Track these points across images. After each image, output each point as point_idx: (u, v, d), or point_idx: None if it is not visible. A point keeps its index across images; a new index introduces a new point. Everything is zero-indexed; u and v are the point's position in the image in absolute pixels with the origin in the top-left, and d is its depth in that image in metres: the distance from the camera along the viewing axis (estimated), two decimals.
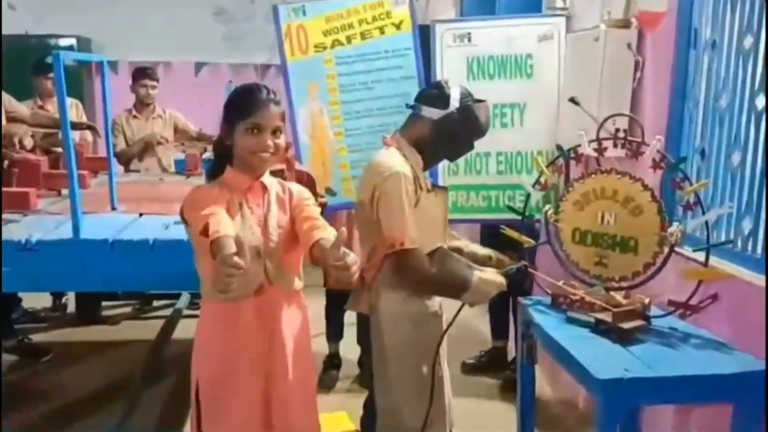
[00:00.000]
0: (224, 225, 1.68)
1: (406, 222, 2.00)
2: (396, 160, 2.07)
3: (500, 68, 3.15)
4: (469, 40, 3.19)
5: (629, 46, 2.67)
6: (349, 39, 3.11)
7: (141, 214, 2.82)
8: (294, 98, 3.13)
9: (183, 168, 4.27)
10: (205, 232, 1.67)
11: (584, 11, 3.06)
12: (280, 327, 1.94)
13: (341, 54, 3.13)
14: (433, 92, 2.19)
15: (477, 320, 4.01)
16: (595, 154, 2.43)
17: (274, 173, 2.46)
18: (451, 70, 3.20)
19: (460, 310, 2.16)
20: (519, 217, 2.55)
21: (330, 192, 3.14)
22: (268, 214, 1.90)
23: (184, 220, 1.86)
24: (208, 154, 4.32)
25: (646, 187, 2.25)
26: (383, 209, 2.03)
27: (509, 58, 3.14)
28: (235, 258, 1.53)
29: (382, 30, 3.12)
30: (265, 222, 1.89)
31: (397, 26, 3.12)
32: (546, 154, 3.12)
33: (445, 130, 2.13)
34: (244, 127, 1.83)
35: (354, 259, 1.56)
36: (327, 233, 1.78)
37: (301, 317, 2.00)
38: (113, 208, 2.87)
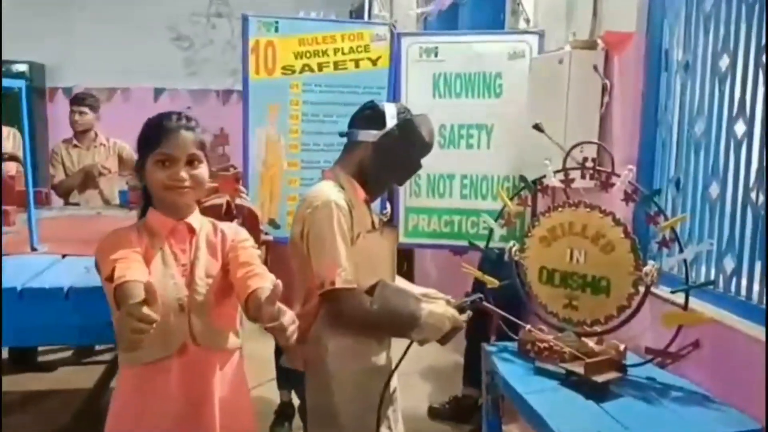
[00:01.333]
0: (133, 270, 1.43)
1: (338, 256, 1.76)
2: (328, 191, 1.84)
3: (468, 86, 2.97)
4: (436, 55, 3.01)
5: (595, 68, 2.49)
6: (320, 66, 2.95)
7: (64, 255, 2.53)
8: (251, 119, 2.92)
9: (127, 200, 3.99)
10: (111, 278, 1.41)
11: (549, 32, 2.89)
12: (209, 395, 1.64)
13: (309, 80, 2.96)
14: (366, 113, 1.97)
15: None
16: (562, 186, 2.22)
17: (211, 209, 2.17)
18: (416, 87, 3.04)
19: (407, 350, 1.91)
20: (480, 247, 2.34)
21: (273, 224, 2.90)
22: (195, 262, 1.63)
23: (96, 266, 1.59)
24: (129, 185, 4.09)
25: (617, 222, 2.05)
26: (312, 244, 1.80)
27: (478, 76, 2.97)
28: (144, 309, 1.23)
29: (357, 63, 2.98)
30: (191, 271, 1.62)
31: (374, 62, 2.99)
32: (513, 180, 2.92)
33: (386, 151, 1.91)
34: (153, 159, 1.57)
35: (291, 318, 1.31)
36: (265, 282, 1.53)
37: (237, 381, 1.72)
38: (33, 249, 2.58)
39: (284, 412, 3.26)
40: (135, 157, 4.36)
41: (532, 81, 2.81)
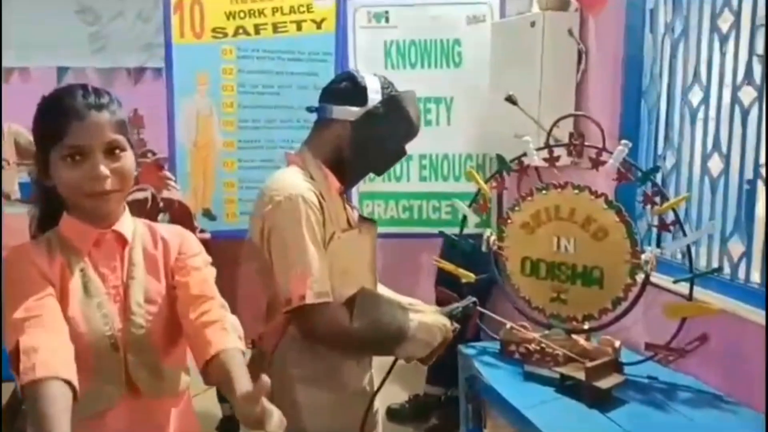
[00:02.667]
0: (47, 353, 1.03)
1: (308, 264, 1.44)
2: (293, 181, 1.52)
3: (423, 55, 2.68)
4: (387, 20, 2.70)
5: (570, 32, 2.25)
6: (257, 29, 2.57)
7: None
8: (176, 89, 2.52)
9: (30, 194, 3.50)
10: (16, 354, 1.03)
11: None
12: None
13: (245, 45, 2.57)
14: (344, 86, 1.65)
15: None
16: (545, 165, 1.97)
17: (132, 206, 1.76)
18: (365, 56, 2.73)
19: (391, 368, 1.62)
20: (452, 236, 2.08)
21: (208, 215, 2.54)
22: (130, 283, 1.23)
23: None
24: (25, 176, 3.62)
25: (610, 204, 1.83)
26: (275, 249, 1.47)
27: (434, 43, 2.68)
28: None
29: (299, 25, 2.61)
30: (125, 296, 1.22)
31: (318, 24, 2.63)
32: (476, 159, 2.66)
33: (367, 133, 1.60)
34: (59, 154, 1.16)
35: (279, 422, 0.98)
36: (231, 340, 1.16)
37: (188, 426, 1.35)
38: None
39: (226, 429, 2.91)
40: (33, 143, 3.89)
41: (495, 48, 2.55)
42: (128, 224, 1.27)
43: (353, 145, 1.62)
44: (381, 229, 2.74)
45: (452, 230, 2.61)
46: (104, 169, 1.14)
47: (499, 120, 2.49)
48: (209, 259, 1.32)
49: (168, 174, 2.38)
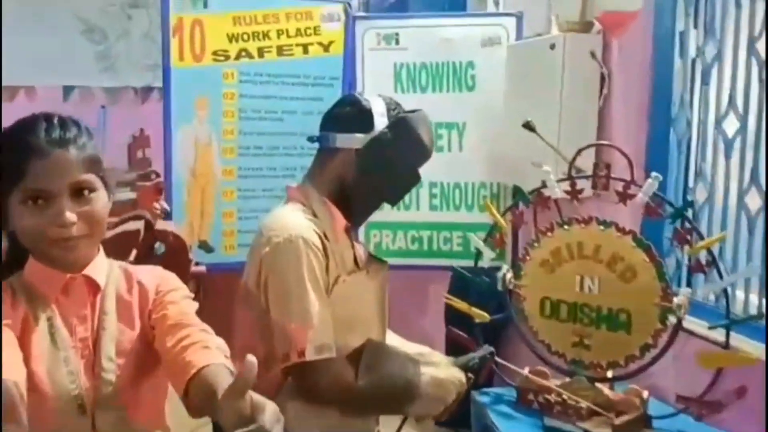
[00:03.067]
0: None
1: (309, 315, 1.31)
2: (293, 220, 1.39)
3: (435, 78, 2.55)
4: (397, 42, 2.58)
5: (593, 54, 2.11)
6: (261, 51, 2.45)
7: None
8: (174, 115, 2.39)
9: None
10: None
11: (525, 14, 2.49)
12: None
13: (248, 69, 2.45)
14: (347, 111, 1.52)
15: None
16: (567, 197, 1.83)
17: (124, 238, 1.63)
18: (374, 80, 2.60)
19: (401, 427, 1.47)
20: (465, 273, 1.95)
21: (205, 247, 2.40)
22: (102, 334, 1.10)
23: None
24: None
25: (639, 243, 1.68)
26: (273, 296, 1.34)
27: (446, 66, 2.55)
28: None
29: (305, 48, 2.50)
30: (95, 349, 1.09)
31: (326, 47, 2.52)
32: (491, 187, 2.52)
33: (375, 161, 1.48)
34: (18, 198, 1.02)
35: (274, 415, 0.83)
36: (214, 356, 1.03)
37: None
38: None
39: None
40: None
41: (511, 71, 2.42)
42: (101, 267, 1.13)
43: (360, 176, 1.49)
44: (388, 261, 2.61)
45: (464, 263, 2.49)
46: (70, 215, 1.01)
47: (515, 147, 2.36)
48: (190, 294, 1.19)
49: (164, 204, 2.25)
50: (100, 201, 1.05)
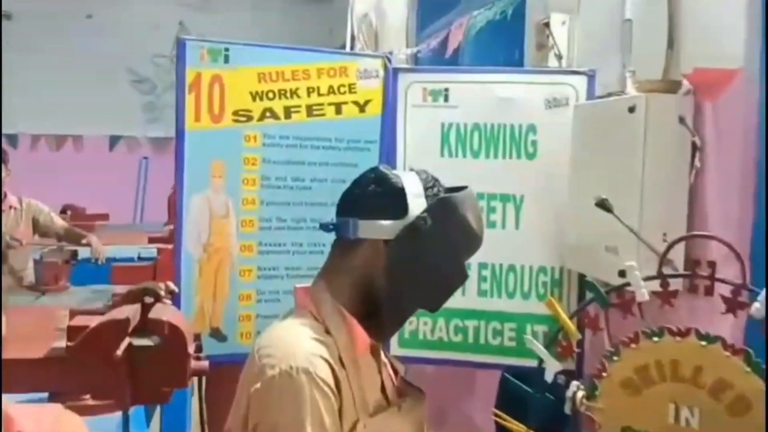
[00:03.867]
0: None
1: None
2: (297, 342, 1.06)
3: (489, 142, 2.21)
4: (446, 98, 2.25)
5: (682, 120, 1.73)
6: (288, 112, 2.15)
7: None
8: (186, 182, 2.08)
9: (41, 278, 3.16)
10: None
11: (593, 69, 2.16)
12: None
13: (273, 131, 2.15)
14: (372, 190, 1.20)
15: None
16: (646, 299, 1.45)
17: (107, 330, 1.34)
18: (416, 142, 2.26)
19: None
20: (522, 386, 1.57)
21: (217, 335, 2.07)
22: None
23: None
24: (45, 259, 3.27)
25: (755, 367, 1.29)
26: None
27: (503, 128, 2.21)
28: None
29: (339, 108, 2.19)
30: None
31: (362, 107, 2.21)
32: (551, 273, 2.14)
33: (411, 256, 1.16)
34: None
35: None
36: None
37: None
38: None
39: None
40: (54, 221, 3.55)
41: (579, 137, 2.06)
42: None
43: (391, 275, 1.16)
44: (425, 354, 2.23)
45: (517, 361, 2.10)
46: None
47: (583, 227, 1.98)
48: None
49: (171, 285, 1.94)
50: None
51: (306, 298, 1.16)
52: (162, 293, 1.98)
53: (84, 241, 3.61)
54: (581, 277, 2.12)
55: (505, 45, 3.19)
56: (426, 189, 1.17)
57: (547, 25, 2.53)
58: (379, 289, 1.15)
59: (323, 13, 8.16)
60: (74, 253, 3.36)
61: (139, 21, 7.69)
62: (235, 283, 2.10)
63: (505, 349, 2.19)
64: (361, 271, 1.16)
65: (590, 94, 2.13)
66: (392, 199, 1.16)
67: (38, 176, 6.65)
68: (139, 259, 4.39)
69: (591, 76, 2.14)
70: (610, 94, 2.20)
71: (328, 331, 1.10)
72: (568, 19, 2.53)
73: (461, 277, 1.25)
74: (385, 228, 1.15)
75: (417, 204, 1.15)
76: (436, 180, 1.22)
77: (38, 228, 3.72)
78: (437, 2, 4.42)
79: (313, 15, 8.21)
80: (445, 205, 1.16)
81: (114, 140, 8.12)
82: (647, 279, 1.46)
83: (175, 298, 2.00)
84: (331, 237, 2.13)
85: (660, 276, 1.46)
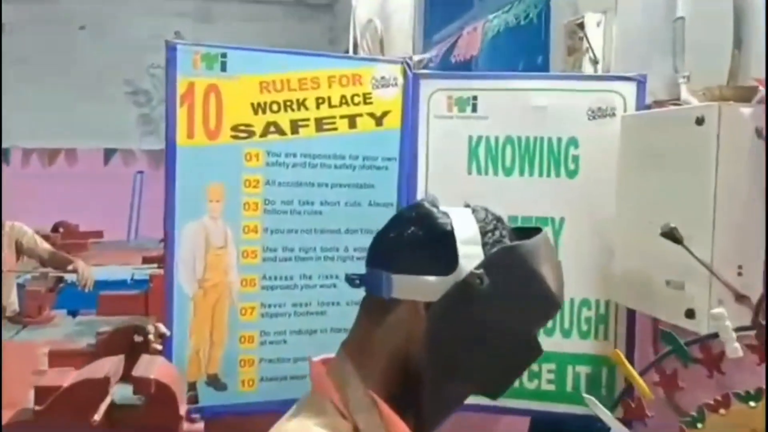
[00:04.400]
0: None
1: None
2: None
3: (524, 158, 1.94)
4: (475, 108, 1.97)
5: (759, 133, 1.47)
6: (294, 126, 1.88)
7: None
8: (178, 208, 1.80)
9: (22, 308, 2.89)
10: None
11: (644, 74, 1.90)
12: None
13: (277, 148, 1.87)
14: (411, 234, 0.92)
15: None
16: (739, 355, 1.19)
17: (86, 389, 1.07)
18: (440, 158, 1.99)
19: None
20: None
21: (215, 383, 1.80)
22: None
23: None
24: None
25: None
26: None
27: (540, 142, 1.93)
28: None
29: (352, 121, 1.92)
30: None
31: (378, 120, 1.94)
32: (597, 307, 1.88)
33: (462, 324, 0.88)
34: None
35: None
36: None
37: None
38: None
39: None
40: (38, 245, 3.30)
41: (630, 152, 1.79)
42: None
43: (434, 350, 0.88)
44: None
45: (555, 407, 1.92)
46: None
47: (636, 256, 1.72)
48: None
49: (161, 327, 1.68)
50: None
51: (326, 379, 0.89)
52: (152, 336, 1.72)
53: (70, 267, 3.35)
54: (630, 312, 1.85)
55: (527, 50, 2.93)
56: (484, 233, 0.90)
57: (581, 26, 2.26)
58: (420, 368, 0.88)
59: (324, 20, 7.93)
60: (59, 280, 3.09)
61: (134, 31, 7.45)
62: (236, 323, 1.82)
63: (541, 393, 1.91)
64: (396, 342, 0.89)
65: (640, 103, 1.87)
66: (437, 247, 0.88)
67: (30, 192, 6.39)
68: (132, 281, 4.14)
69: (641, 82, 1.87)
70: (657, 103, 1.96)
71: (356, 428, 0.83)
72: (603, 18, 2.26)
73: (532, 353, 0.96)
74: (428, 286, 0.88)
75: (471, 254, 0.87)
76: (499, 220, 0.94)
77: (21, 251, 3.46)
78: (447, 6, 4.17)
79: (315, 22, 7.98)
80: (510, 256, 0.89)
81: (109, 153, 7.87)
82: (740, 330, 1.19)
83: (167, 342, 1.74)
84: (345, 267, 1.89)
85: (756, 326, 1.19)
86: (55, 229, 6.45)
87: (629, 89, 1.88)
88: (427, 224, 0.90)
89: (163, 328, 1.71)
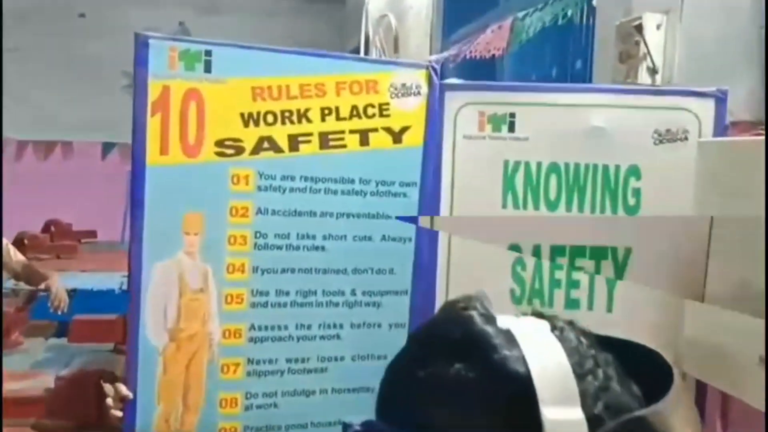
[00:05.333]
0: None
1: None
2: None
3: (572, 190, 1.60)
4: (512, 127, 1.62)
5: None
6: (293, 142, 1.54)
7: None
8: (147, 243, 1.46)
9: None
10: None
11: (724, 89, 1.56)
12: None
13: (271, 168, 1.54)
14: (455, 376, 0.55)
15: None
16: None
17: None
18: (471, 185, 1.64)
19: None
20: None
21: None
22: None
23: None
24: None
25: None
26: None
27: (592, 170, 1.58)
28: None
29: (364, 137, 1.57)
30: None
31: (396, 136, 1.60)
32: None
33: None
34: None
35: None
36: None
37: None
38: None
39: None
40: (12, 256, 3.00)
41: (707, 185, 1.44)
42: None
43: None
44: None
45: None
46: None
47: (716, 320, 1.37)
48: None
49: (122, 389, 1.36)
50: None
51: None
52: (110, 400, 1.40)
53: (43, 285, 3.03)
54: (700, 384, 1.51)
55: (563, 53, 2.59)
56: (582, 376, 0.56)
57: (638, 28, 1.92)
58: None
59: (337, 17, 7.60)
60: (32, 296, 2.78)
61: (136, 22, 7.13)
62: (215, 383, 1.49)
63: None
64: None
65: (719, 125, 1.52)
66: (500, 401, 0.54)
67: (24, 188, 6.13)
68: (120, 290, 3.87)
69: (721, 99, 1.52)
70: (734, 124, 1.62)
71: None
72: (664, 20, 1.92)
73: None
74: None
75: (563, 421, 0.53)
76: (593, 344, 0.60)
77: None
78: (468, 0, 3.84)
79: (328, 18, 7.65)
80: (642, 428, 0.54)
81: (107, 147, 7.59)
82: None
83: (128, 406, 1.41)
84: (351, 318, 1.56)
85: None
86: (46, 227, 6.17)
87: (705, 107, 1.52)
88: (483, 362, 0.56)
89: (124, 391, 1.38)
